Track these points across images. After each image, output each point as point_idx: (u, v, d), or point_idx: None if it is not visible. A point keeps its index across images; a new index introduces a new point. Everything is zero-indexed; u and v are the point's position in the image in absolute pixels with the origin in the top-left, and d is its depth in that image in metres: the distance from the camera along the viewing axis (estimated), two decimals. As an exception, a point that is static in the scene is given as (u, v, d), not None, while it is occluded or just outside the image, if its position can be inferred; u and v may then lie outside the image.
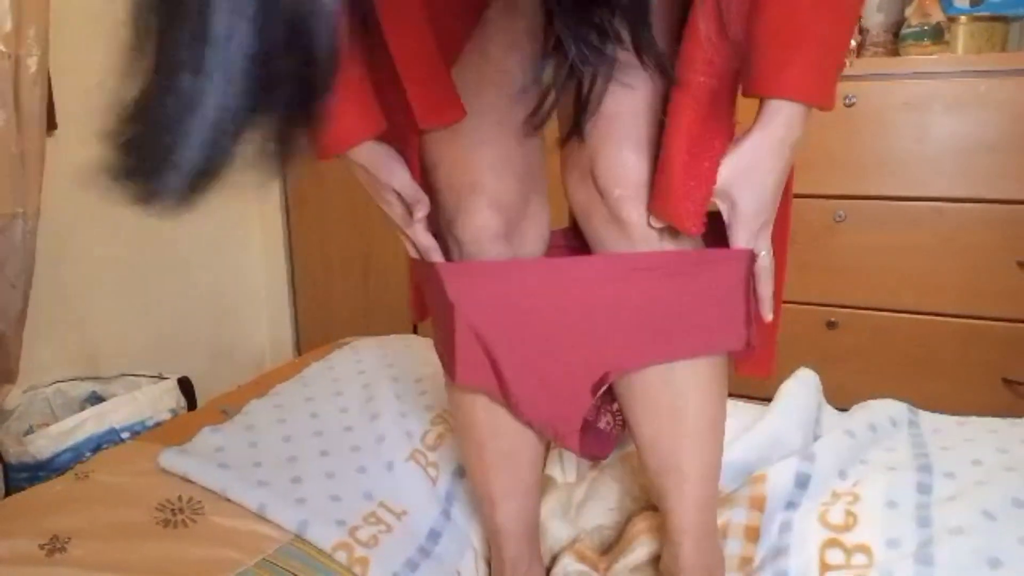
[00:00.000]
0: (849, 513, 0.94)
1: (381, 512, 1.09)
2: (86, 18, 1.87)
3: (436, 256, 0.79)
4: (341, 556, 0.98)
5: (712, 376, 0.79)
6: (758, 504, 0.98)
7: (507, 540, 0.97)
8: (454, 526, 1.11)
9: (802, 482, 1.00)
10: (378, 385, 1.37)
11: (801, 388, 1.19)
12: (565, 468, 1.18)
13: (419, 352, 1.54)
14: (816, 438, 1.11)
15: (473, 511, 1.13)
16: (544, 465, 0.99)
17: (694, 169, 0.67)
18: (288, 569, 0.96)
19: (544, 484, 1.10)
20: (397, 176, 0.75)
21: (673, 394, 0.79)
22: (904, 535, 0.89)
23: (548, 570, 1.02)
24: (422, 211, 0.77)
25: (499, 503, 0.95)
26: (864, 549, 0.89)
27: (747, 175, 0.67)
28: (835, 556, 0.89)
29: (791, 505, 0.98)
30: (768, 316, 0.75)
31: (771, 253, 0.73)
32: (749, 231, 0.70)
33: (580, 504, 1.10)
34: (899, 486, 0.97)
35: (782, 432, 1.11)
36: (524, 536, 0.98)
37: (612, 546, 1.05)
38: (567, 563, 0.99)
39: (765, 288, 0.74)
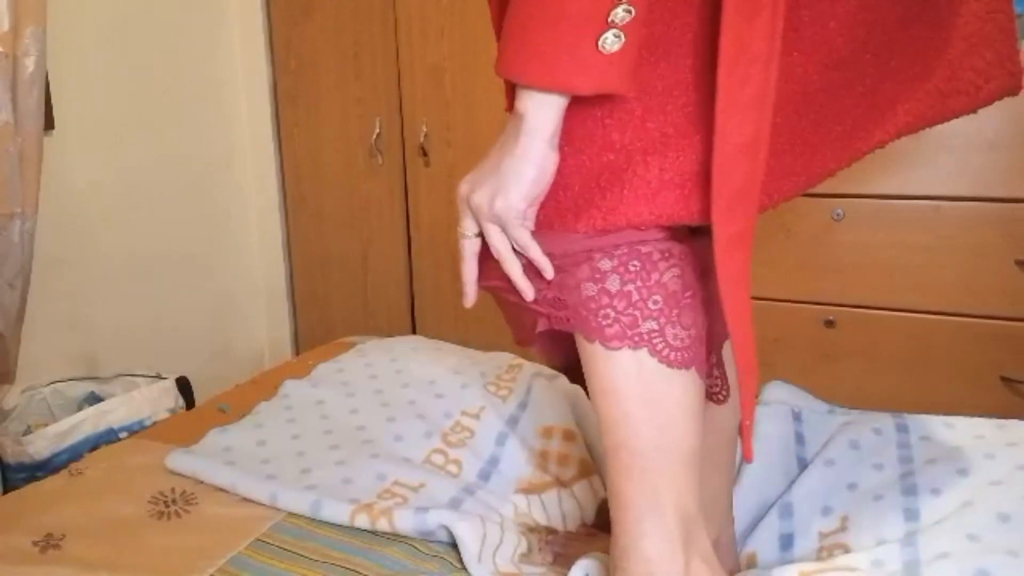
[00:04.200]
0: (835, 555, 0.94)
1: (396, 488, 1.09)
2: (84, 18, 1.88)
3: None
4: (362, 520, 0.98)
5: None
6: None
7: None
8: (476, 499, 1.10)
9: (786, 543, 1.00)
10: (391, 391, 1.37)
11: (775, 425, 1.16)
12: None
13: (427, 354, 1.54)
14: (800, 462, 1.10)
15: (497, 496, 1.12)
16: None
17: None
18: (281, 546, 0.96)
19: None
20: None
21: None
22: (890, 560, 0.90)
23: None
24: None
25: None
26: (851, 569, 0.89)
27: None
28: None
29: (780, 567, 0.97)
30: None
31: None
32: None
33: None
34: (886, 518, 0.97)
35: (765, 477, 1.09)
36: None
37: None
38: None
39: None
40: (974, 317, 1.63)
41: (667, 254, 0.67)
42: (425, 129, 2.12)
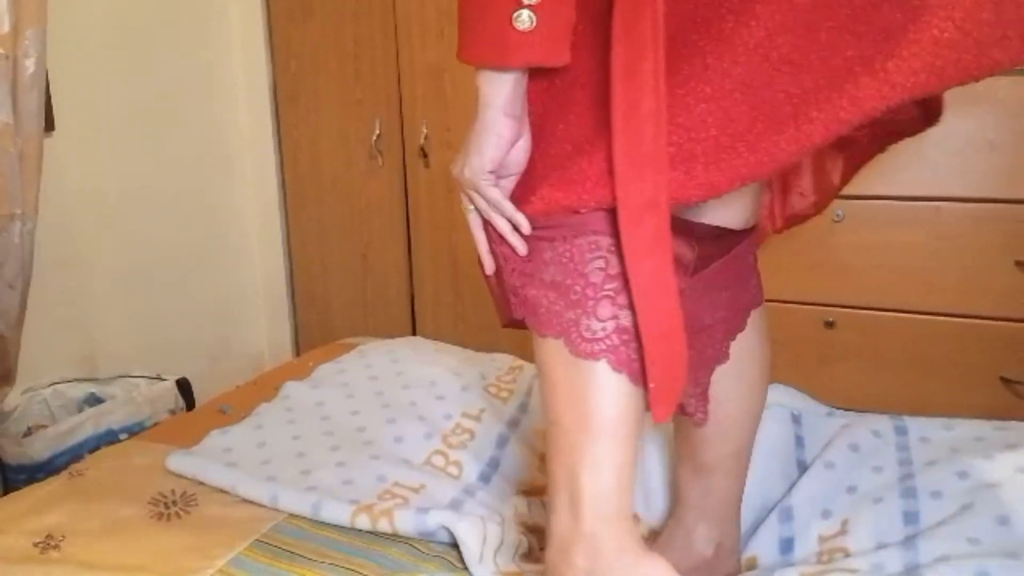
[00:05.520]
0: (835, 559, 0.94)
1: (396, 489, 1.09)
2: (84, 19, 1.88)
3: None
4: (363, 521, 0.98)
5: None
6: None
7: None
8: (476, 501, 1.10)
9: (786, 547, 1.00)
10: (392, 392, 1.37)
11: (775, 428, 1.16)
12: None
13: (428, 355, 1.54)
14: (800, 465, 1.10)
15: (498, 498, 1.12)
16: None
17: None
18: (281, 546, 0.96)
19: None
20: None
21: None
22: (890, 563, 0.90)
23: None
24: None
25: None
26: (852, 571, 0.89)
27: None
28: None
29: (780, 570, 0.97)
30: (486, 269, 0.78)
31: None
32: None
33: None
34: (885, 522, 0.97)
35: (764, 481, 1.09)
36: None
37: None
38: None
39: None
40: (974, 318, 1.63)
41: (595, 246, 0.70)
42: (425, 130, 2.12)
